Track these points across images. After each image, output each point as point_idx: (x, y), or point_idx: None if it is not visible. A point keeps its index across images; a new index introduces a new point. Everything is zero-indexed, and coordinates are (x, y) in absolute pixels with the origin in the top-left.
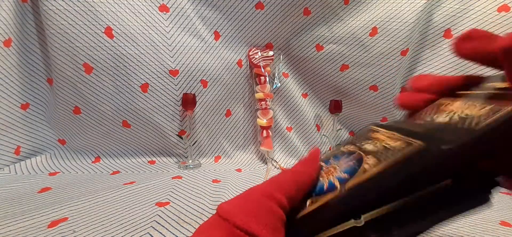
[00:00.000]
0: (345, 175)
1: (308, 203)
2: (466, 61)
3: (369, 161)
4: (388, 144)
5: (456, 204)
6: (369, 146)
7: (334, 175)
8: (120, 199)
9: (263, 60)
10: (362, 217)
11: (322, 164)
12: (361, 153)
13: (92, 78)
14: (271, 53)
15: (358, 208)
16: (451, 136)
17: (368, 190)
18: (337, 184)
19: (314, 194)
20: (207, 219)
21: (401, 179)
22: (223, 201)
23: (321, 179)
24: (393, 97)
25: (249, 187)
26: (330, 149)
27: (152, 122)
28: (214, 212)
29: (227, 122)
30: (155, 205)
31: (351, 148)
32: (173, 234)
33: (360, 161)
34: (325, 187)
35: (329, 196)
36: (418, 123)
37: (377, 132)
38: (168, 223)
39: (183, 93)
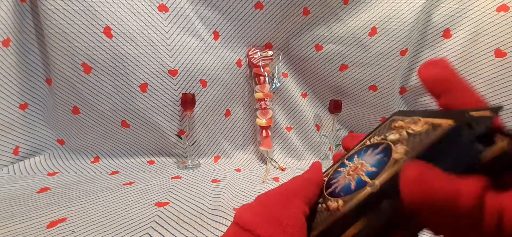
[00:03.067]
0: (373, 169)
1: (340, 204)
2: (465, 63)
3: (399, 150)
4: (413, 130)
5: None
6: (393, 136)
7: (362, 172)
8: (119, 199)
9: (263, 60)
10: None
11: (347, 162)
12: (389, 143)
13: (91, 78)
14: (270, 53)
15: (392, 197)
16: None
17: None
18: (367, 179)
19: (342, 194)
20: (206, 219)
21: (434, 160)
22: (223, 201)
23: (347, 177)
24: (392, 97)
25: (248, 187)
26: (330, 149)
27: (151, 122)
28: (214, 212)
29: (226, 122)
30: (155, 205)
31: (376, 140)
32: (173, 234)
33: (388, 151)
34: (352, 186)
35: (360, 194)
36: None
37: (398, 120)
38: (168, 223)
39: (182, 93)
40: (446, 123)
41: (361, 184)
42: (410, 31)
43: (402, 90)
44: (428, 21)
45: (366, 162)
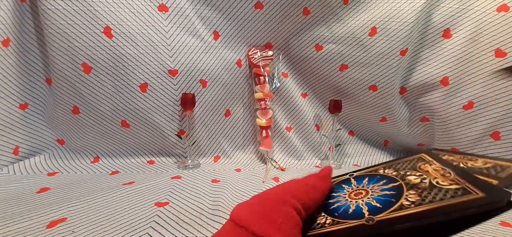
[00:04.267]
0: (377, 205)
1: (328, 221)
2: (465, 63)
3: (411, 197)
4: (439, 183)
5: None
6: (414, 178)
7: (363, 200)
8: (119, 199)
9: (263, 60)
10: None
11: (352, 180)
12: (403, 184)
13: (91, 78)
14: (270, 53)
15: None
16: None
17: (399, 226)
18: (366, 212)
19: (337, 214)
20: (205, 220)
21: (444, 220)
22: (223, 201)
23: (349, 200)
24: (392, 97)
25: (248, 187)
26: (330, 149)
27: (151, 122)
28: (214, 212)
29: (226, 122)
30: (154, 205)
31: (392, 173)
32: (173, 234)
33: (399, 192)
34: (350, 211)
35: (354, 222)
36: (473, 163)
37: (427, 163)
38: (168, 223)
39: (182, 93)
40: (478, 193)
41: (359, 213)
42: (410, 31)
43: (402, 90)
44: (428, 21)
45: (373, 193)
